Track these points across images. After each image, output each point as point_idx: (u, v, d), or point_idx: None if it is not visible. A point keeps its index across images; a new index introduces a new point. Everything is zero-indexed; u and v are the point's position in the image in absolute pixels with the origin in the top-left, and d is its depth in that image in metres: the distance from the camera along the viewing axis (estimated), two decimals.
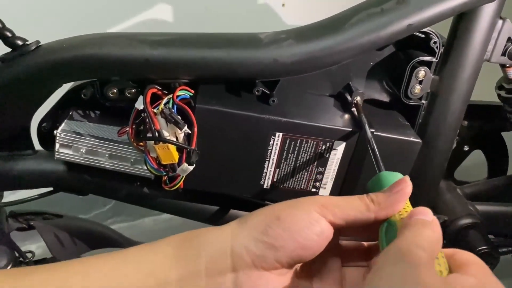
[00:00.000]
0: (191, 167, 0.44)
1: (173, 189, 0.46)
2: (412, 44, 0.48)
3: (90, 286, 0.30)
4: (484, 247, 0.50)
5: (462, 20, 0.46)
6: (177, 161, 0.44)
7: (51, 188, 0.52)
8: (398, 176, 0.34)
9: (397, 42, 0.48)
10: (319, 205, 0.31)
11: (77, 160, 0.48)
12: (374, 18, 0.43)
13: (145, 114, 0.43)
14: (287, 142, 0.46)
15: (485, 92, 0.61)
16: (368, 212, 0.31)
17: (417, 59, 0.47)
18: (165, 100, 0.44)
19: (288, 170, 0.48)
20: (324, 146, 0.46)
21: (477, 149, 0.63)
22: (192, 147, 0.43)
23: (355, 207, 0.31)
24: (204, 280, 0.31)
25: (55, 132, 0.47)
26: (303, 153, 0.47)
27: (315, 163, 0.47)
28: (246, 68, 0.44)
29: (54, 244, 0.57)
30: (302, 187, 0.49)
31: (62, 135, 0.46)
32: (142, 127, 0.45)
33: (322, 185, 0.49)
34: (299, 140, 0.46)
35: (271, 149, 0.46)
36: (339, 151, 0.47)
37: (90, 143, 0.47)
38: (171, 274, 0.31)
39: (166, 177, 0.47)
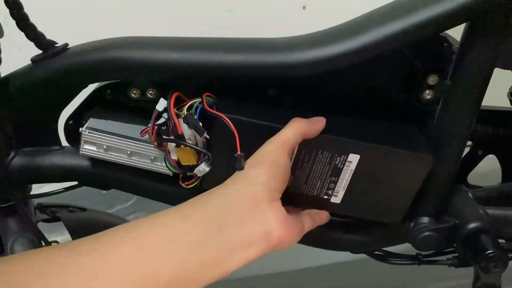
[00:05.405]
0: (207, 169, 0.46)
1: (190, 187, 0.48)
2: (424, 50, 0.49)
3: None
4: (493, 251, 0.50)
5: (473, 27, 0.47)
6: (196, 163, 0.47)
7: (76, 182, 0.55)
8: None
9: (409, 47, 0.49)
10: (282, 146, 0.43)
11: (100, 156, 0.50)
12: (386, 24, 0.44)
13: (168, 118, 0.45)
14: (303, 152, 0.47)
15: (501, 98, 0.61)
16: (300, 134, 0.45)
17: (429, 64, 0.48)
18: (187, 105, 0.46)
19: (302, 178, 0.49)
20: (339, 158, 0.48)
21: (491, 154, 0.63)
22: (238, 153, 0.44)
23: (296, 137, 0.45)
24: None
25: (80, 129, 0.49)
26: (318, 163, 0.48)
27: (329, 172, 0.49)
28: (261, 72, 0.46)
29: (78, 236, 0.60)
30: (314, 194, 0.50)
31: (87, 133, 0.49)
32: (164, 128, 0.47)
33: (334, 193, 0.50)
34: (314, 151, 0.47)
35: None
36: (353, 163, 0.48)
37: (113, 141, 0.49)
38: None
39: (183, 174, 0.49)
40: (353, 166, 0.48)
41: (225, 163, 0.46)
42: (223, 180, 0.42)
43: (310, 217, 0.49)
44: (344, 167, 0.48)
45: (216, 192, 0.41)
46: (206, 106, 0.45)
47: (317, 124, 0.46)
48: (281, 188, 0.42)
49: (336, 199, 0.51)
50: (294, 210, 0.49)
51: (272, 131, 0.45)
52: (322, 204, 0.51)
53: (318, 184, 0.50)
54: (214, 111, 0.45)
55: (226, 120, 0.44)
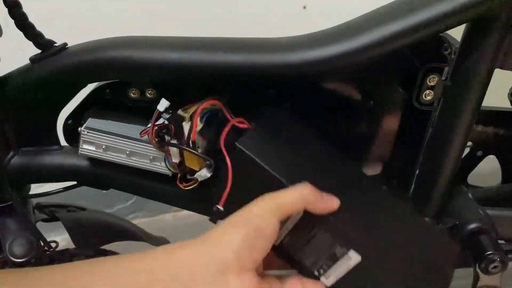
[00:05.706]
0: (208, 174, 0.46)
1: (187, 188, 0.48)
2: (424, 50, 0.49)
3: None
4: (493, 252, 0.50)
5: (474, 27, 0.46)
6: (198, 170, 0.47)
7: (75, 182, 0.55)
8: None
9: (410, 48, 0.49)
10: (274, 210, 0.39)
11: (99, 156, 0.50)
12: (386, 24, 0.44)
13: (191, 126, 0.45)
14: (305, 221, 0.43)
15: (501, 98, 0.61)
16: (302, 203, 0.41)
17: (429, 65, 0.48)
18: (193, 111, 0.45)
19: (298, 244, 0.45)
20: (339, 248, 0.43)
21: (491, 154, 0.63)
22: (220, 206, 0.43)
23: (295, 206, 0.41)
24: None
25: (79, 129, 0.49)
26: (317, 241, 0.44)
27: (326, 255, 0.44)
28: (261, 72, 0.45)
29: (76, 236, 0.60)
30: (307, 265, 0.45)
31: (86, 132, 0.49)
32: (165, 129, 0.47)
33: (326, 274, 0.45)
34: (316, 227, 0.43)
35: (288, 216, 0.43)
36: (352, 260, 0.43)
37: (112, 141, 0.49)
38: None
39: (182, 175, 0.49)
40: (352, 263, 0.43)
41: (239, 188, 0.44)
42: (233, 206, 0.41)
43: (299, 285, 0.44)
44: (342, 259, 0.44)
45: (185, 250, 0.38)
46: (223, 141, 0.44)
47: (328, 202, 0.42)
48: (257, 258, 0.38)
49: (327, 281, 0.45)
50: (280, 267, 0.46)
51: (280, 186, 0.42)
52: (312, 277, 0.46)
53: (312, 258, 0.45)
54: (224, 150, 0.44)
55: (228, 167, 0.43)
